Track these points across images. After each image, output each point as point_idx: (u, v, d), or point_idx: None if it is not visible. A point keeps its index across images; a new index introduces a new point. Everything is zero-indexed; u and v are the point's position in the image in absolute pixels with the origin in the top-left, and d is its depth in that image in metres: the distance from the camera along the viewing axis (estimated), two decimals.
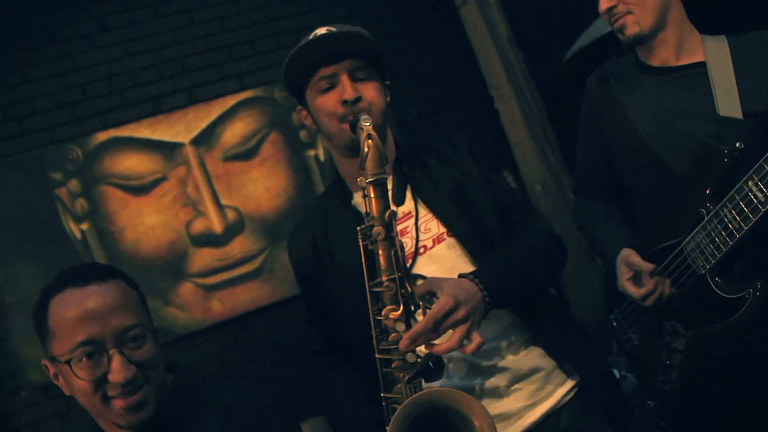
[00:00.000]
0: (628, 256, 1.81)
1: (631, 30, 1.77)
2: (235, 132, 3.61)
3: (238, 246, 3.56)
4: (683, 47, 1.80)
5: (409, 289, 1.43)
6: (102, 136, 3.49)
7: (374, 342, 1.47)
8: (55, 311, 1.35)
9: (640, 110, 1.84)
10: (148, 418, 1.37)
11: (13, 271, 3.35)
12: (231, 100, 3.63)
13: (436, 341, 1.42)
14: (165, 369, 1.45)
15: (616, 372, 2.62)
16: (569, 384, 1.66)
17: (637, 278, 1.80)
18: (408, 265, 1.61)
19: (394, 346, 1.43)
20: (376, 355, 1.47)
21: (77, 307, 1.33)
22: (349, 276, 1.58)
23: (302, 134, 3.66)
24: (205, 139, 3.58)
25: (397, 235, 1.44)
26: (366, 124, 1.43)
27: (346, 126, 1.55)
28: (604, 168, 2.01)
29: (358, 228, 1.45)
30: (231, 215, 3.57)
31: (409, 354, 1.42)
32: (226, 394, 1.51)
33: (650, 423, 2.79)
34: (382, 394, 1.48)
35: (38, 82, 3.48)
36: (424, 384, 1.45)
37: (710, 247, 1.66)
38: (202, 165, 3.56)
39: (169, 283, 3.48)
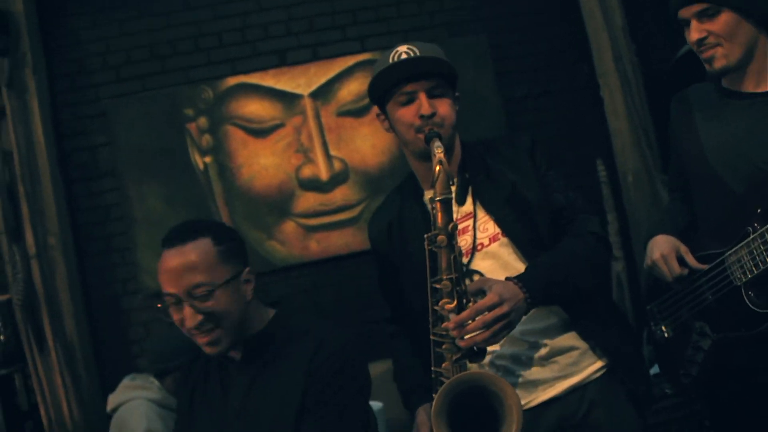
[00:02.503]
0: (686, 252, 1.92)
1: (719, 63, 1.81)
2: (350, 90, 3.87)
3: (341, 194, 3.86)
4: (764, 76, 1.83)
5: (463, 287, 1.68)
6: (232, 81, 3.83)
7: (430, 326, 1.72)
8: (159, 266, 1.71)
9: (710, 131, 1.91)
10: (222, 352, 1.71)
11: (143, 191, 3.80)
12: (350, 60, 3.86)
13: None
14: (241, 311, 1.72)
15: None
16: (599, 364, 1.85)
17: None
18: (467, 260, 1.85)
19: (446, 332, 1.67)
20: (431, 337, 1.72)
21: (162, 266, 1.68)
22: (416, 263, 1.80)
23: None
24: (323, 93, 3.85)
25: (457, 243, 1.68)
26: (438, 150, 1.66)
27: (421, 136, 1.78)
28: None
29: (426, 235, 1.69)
30: (337, 165, 3.86)
31: (458, 339, 1.67)
32: (319, 330, 1.77)
33: (695, 423, 2.98)
34: (432, 368, 1.74)
35: (181, 26, 3.84)
36: (468, 364, 1.69)
37: (749, 263, 1.73)
38: (317, 117, 3.85)
39: (274, 220, 3.84)
